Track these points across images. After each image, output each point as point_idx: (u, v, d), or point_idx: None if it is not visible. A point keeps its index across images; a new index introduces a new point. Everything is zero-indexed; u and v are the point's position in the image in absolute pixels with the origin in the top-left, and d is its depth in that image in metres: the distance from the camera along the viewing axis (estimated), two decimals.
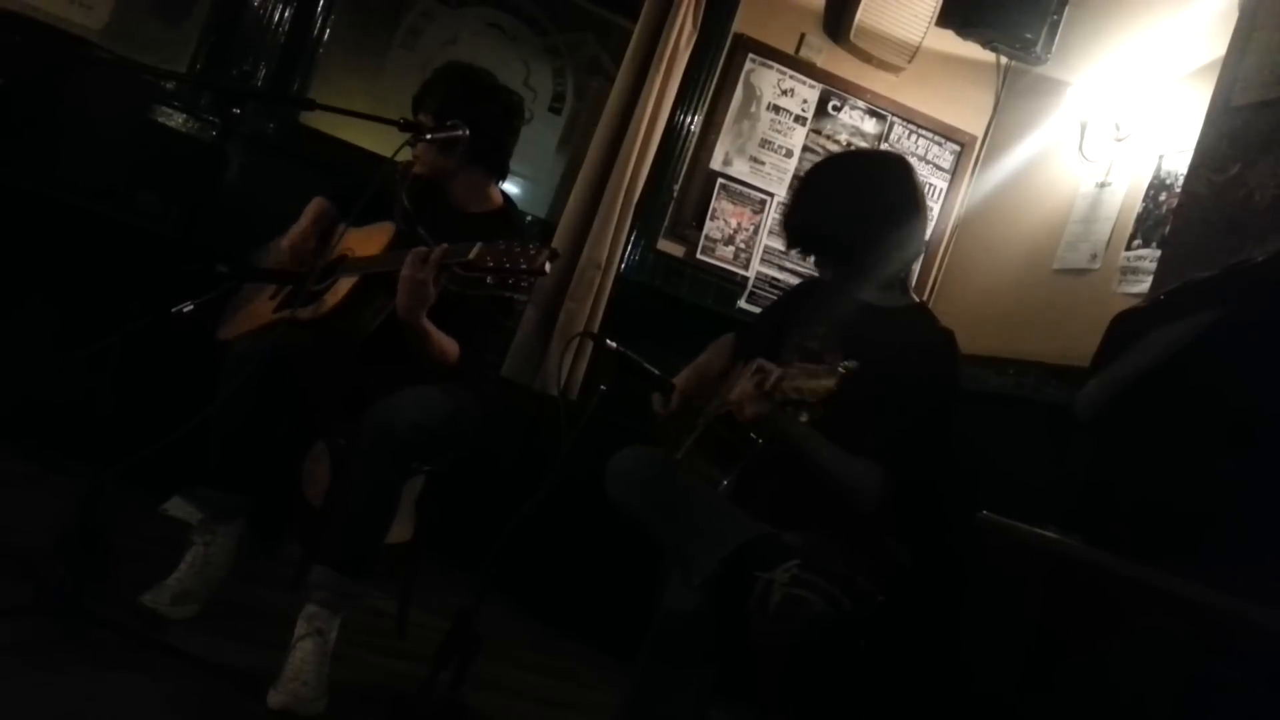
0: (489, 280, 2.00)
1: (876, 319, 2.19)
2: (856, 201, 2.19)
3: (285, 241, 2.46)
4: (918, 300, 2.31)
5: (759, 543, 1.86)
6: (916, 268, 3.59)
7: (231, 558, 2.30)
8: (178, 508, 2.83)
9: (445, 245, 2.10)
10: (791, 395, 1.81)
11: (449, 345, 2.27)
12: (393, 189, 2.48)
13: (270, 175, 3.25)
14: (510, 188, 2.61)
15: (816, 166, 2.43)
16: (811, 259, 2.35)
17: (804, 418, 1.92)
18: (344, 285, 2.27)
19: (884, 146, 3.74)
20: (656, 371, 2.29)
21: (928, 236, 2.32)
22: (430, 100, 2.45)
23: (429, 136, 2.35)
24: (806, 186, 2.33)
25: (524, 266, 1.95)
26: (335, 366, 2.30)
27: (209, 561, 2.24)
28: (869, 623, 2.01)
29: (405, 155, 2.41)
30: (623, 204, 3.39)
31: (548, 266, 1.96)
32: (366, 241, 2.38)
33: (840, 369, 1.74)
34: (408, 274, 2.10)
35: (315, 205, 2.53)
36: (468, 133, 2.36)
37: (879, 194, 2.18)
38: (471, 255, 2.01)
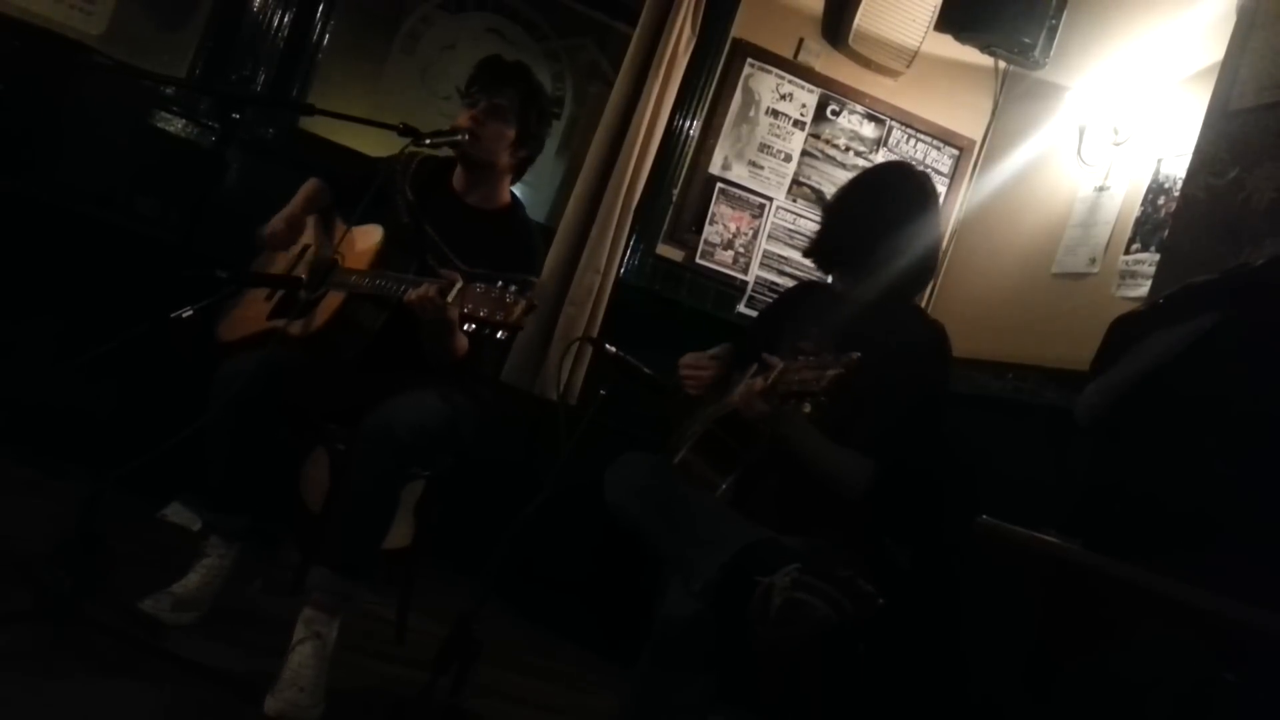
0: (466, 327, 1.98)
1: (868, 318, 2.21)
2: (858, 210, 2.23)
3: (279, 220, 2.42)
4: (910, 301, 2.32)
5: (759, 547, 1.86)
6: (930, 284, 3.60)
7: (237, 569, 2.32)
8: (177, 513, 2.85)
9: (432, 292, 2.05)
10: (796, 387, 1.82)
11: (463, 341, 2.26)
12: (392, 182, 2.46)
13: (270, 180, 3.23)
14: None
15: (837, 197, 2.45)
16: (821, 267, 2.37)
17: (807, 408, 1.92)
18: (332, 302, 2.27)
19: (883, 151, 3.75)
20: (656, 376, 2.29)
21: (936, 244, 2.30)
22: (510, 91, 2.39)
23: (428, 141, 2.34)
24: (828, 208, 2.38)
25: (500, 318, 1.91)
26: (327, 381, 2.30)
27: (219, 574, 2.26)
28: (870, 626, 2.01)
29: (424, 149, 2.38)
30: (622, 208, 3.39)
31: (525, 321, 1.93)
32: (358, 245, 2.37)
33: (846, 357, 1.76)
34: (431, 318, 2.09)
35: (309, 186, 2.50)
36: (467, 137, 2.36)
37: (881, 204, 2.20)
38: (450, 298, 1.99)
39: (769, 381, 1.90)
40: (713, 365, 2.26)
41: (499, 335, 1.94)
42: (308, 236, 2.51)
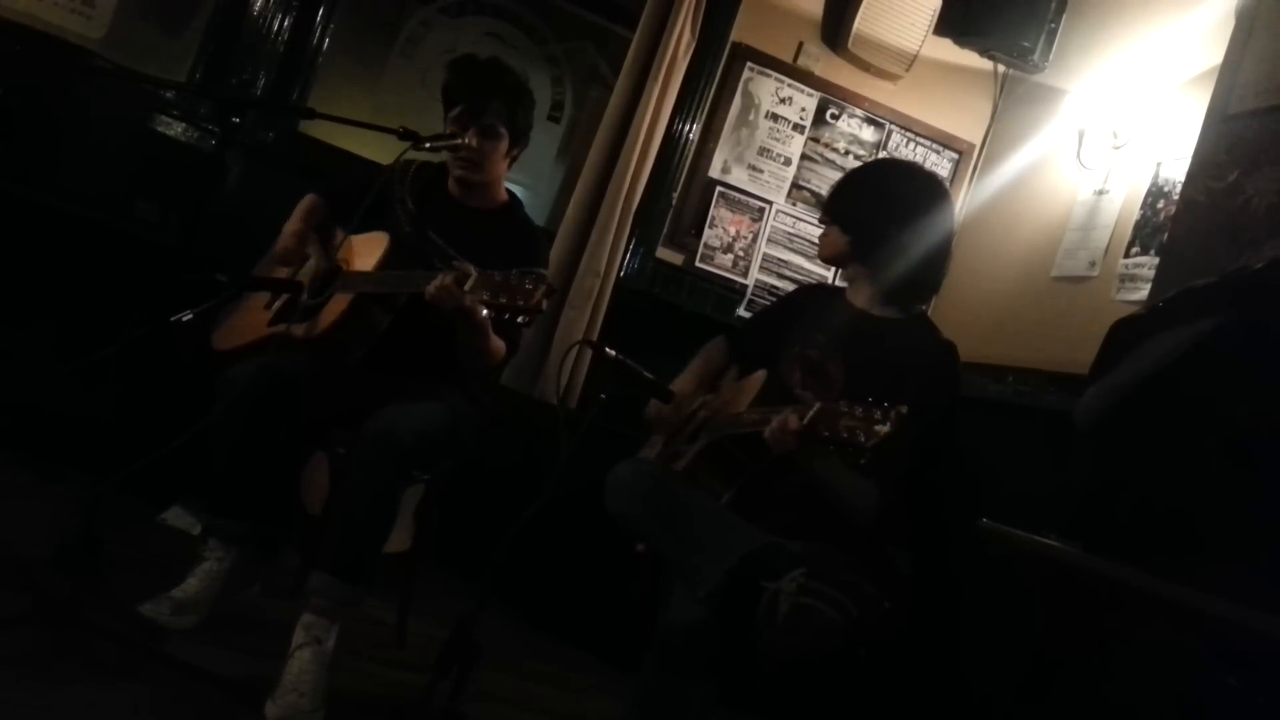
0: (486, 314, 2.00)
1: (877, 330, 2.19)
2: (888, 201, 2.20)
3: (283, 242, 2.44)
4: (920, 310, 2.30)
5: (763, 552, 1.86)
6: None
7: (235, 573, 2.31)
8: (177, 517, 2.84)
9: (449, 280, 2.06)
10: (843, 434, 1.74)
11: (499, 344, 2.27)
12: (390, 191, 2.46)
13: (270, 184, 3.25)
14: None
15: (874, 162, 2.43)
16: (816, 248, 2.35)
17: (863, 461, 1.85)
18: (338, 304, 2.27)
19: (882, 154, 3.76)
20: (656, 380, 2.29)
21: (946, 245, 2.27)
22: (495, 104, 2.37)
23: (428, 145, 2.34)
24: (857, 173, 2.35)
25: (520, 304, 1.93)
26: (330, 385, 2.30)
27: (218, 577, 2.26)
28: (875, 630, 2.00)
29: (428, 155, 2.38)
30: (621, 212, 3.40)
31: (544, 304, 1.95)
32: (362, 251, 2.37)
33: (896, 413, 1.70)
34: (451, 308, 2.08)
35: (307, 202, 2.52)
36: (467, 141, 2.36)
37: (909, 204, 2.19)
38: (467, 287, 2.00)
39: (805, 421, 1.82)
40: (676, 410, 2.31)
41: (519, 320, 1.96)
42: (308, 248, 2.51)
